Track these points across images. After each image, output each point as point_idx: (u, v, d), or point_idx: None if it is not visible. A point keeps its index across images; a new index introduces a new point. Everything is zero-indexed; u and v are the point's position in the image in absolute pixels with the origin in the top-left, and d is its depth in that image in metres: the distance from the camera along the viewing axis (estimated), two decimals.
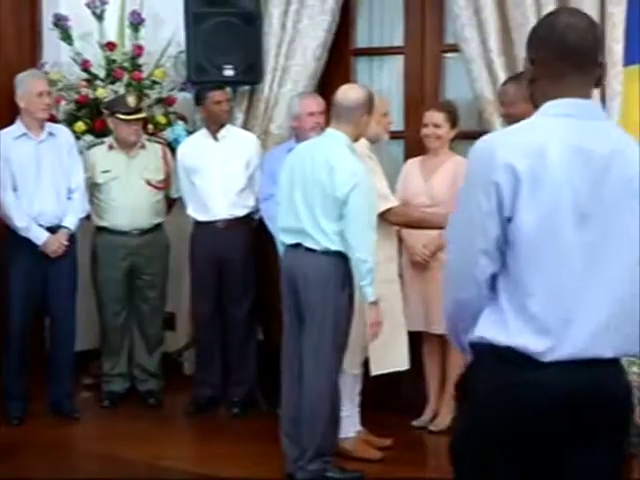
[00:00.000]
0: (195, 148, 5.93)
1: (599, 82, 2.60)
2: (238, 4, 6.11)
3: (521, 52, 5.28)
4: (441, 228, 5.17)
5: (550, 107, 2.52)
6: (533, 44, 2.58)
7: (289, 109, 5.82)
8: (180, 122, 6.43)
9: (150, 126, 6.33)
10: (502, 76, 5.42)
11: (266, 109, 6.23)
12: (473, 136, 5.84)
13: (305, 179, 4.63)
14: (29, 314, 5.73)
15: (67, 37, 6.45)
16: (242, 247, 5.90)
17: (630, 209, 2.47)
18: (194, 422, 5.92)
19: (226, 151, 5.87)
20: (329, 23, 6.08)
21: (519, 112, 4.84)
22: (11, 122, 5.67)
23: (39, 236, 5.57)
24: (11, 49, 6.56)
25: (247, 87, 6.26)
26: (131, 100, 5.88)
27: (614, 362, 2.50)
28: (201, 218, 5.89)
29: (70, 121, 6.28)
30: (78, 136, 6.12)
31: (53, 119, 5.97)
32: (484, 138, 2.52)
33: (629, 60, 4.37)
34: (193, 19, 6.04)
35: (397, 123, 5.62)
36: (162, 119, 6.43)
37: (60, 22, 6.43)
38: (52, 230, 5.63)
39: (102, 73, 6.43)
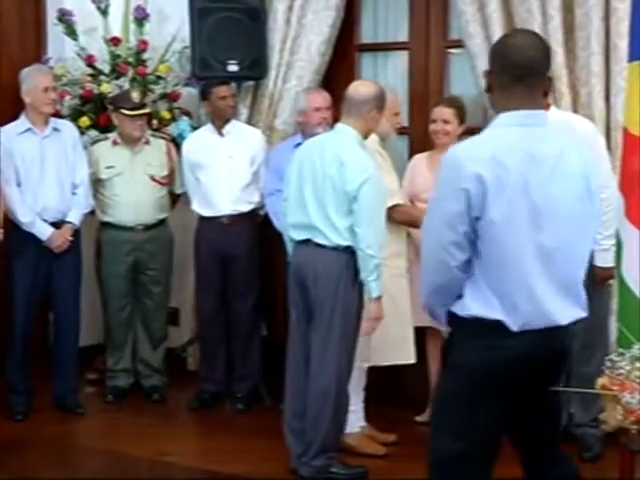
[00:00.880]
0: (200, 143, 5.92)
1: (546, 94, 3.18)
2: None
3: None
4: None
5: (504, 118, 3.04)
6: (490, 59, 3.12)
7: (295, 104, 5.81)
8: (184, 117, 6.42)
9: (154, 121, 6.32)
10: None
11: (270, 104, 6.23)
12: (478, 132, 5.91)
13: (315, 174, 4.62)
14: (33, 309, 5.73)
15: (72, 32, 6.45)
16: (247, 243, 5.90)
17: (577, 200, 3.01)
18: (198, 418, 5.92)
19: (231, 146, 5.87)
20: (334, 19, 6.08)
21: None
22: (15, 117, 5.66)
23: (43, 231, 5.58)
24: (15, 44, 6.56)
25: (251, 82, 6.25)
26: (135, 95, 5.88)
27: (567, 328, 3.08)
28: (206, 213, 5.89)
29: (74, 116, 6.27)
30: (82, 131, 6.11)
31: (57, 114, 5.97)
32: (453, 150, 3.07)
33: (633, 56, 4.35)
34: (198, 14, 6.04)
35: (402, 119, 5.61)
36: (166, 114, 6.42)
37: (64, 17, 6.43)
38: (56, 225, 5.63)
39: (107, 68, 6.43)
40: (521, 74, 3.02)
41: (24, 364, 5.70)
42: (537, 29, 5.25)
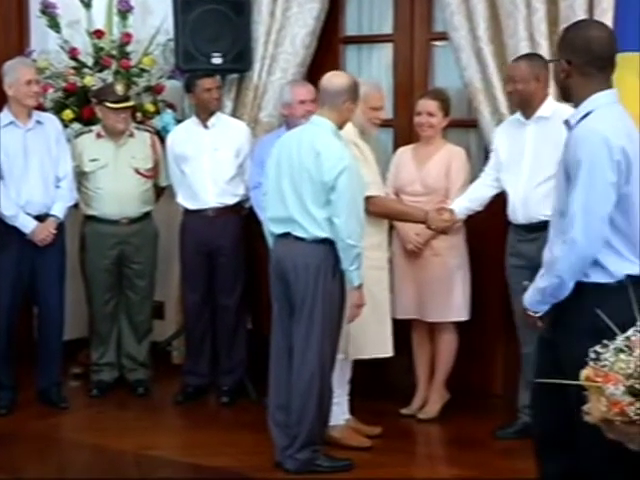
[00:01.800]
0: (185, 136, 5.91)
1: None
2: None
3: (510, 40, 5.31)
4: (422, 222, 5.19)
5: (602, 98, 3.33)
6: (569, 51, 3.38)
7: (280, 97, 5.81)
8: (169, 110, 6.41)
9: (139, 114, 6.30)
10: (491, 64, 5.42)
11: (255, 97, 6.21)
12: (462, 124, 5.92)
13: (292, 167, 4.63)
14: (17, 302, 5.71)
15: (55, 25, 6.42)
16: (232, 235, 5.89)
17: None
18: (183, 411, 5.91)
19: (216, 139, 5.86)
20: (318, 11, 6.06)
21: (529, 90, 4.88)
22: None
23: (27, 225, 5.55)
24: None
25: (236, 75, 6.24)
26: (119, 88, 5.86)
27: None
28: (191, 206, 5.88)
29: (58, 109, 6.24)
30: (66, 124, 6.08)
31: (41, 107, 5.94)
32: (591, 127, 3.25)
33: (620, 47, 4.36)
34: (182, 7, 6.01)
35: (386, 111, 5.60)
36: (150, 107, 6.40)
37: (48, 9, 6.40)
38: (40, 219, 5.60)
39: (90, 61, 6.40)
40: (604, 65, 3.37)
41: (8, 358, 5.68)
42: (521, 21, 5.27)
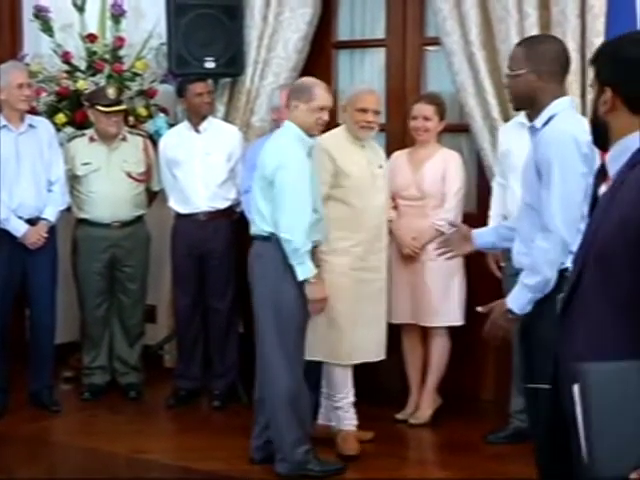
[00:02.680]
0: (177, 140, 5.92)
1: None
2: None
3: (502, 45, 5.32)
4: None
5: (563, 102, 3.52)
6: (539, 61, 3.50)
7: (270, 101, 5.81)
8: (161, 114, 6.41)
9: (131, 118, 6.30)
10: (483, 69, 5.43)
11: (247, 101, 6.22)
12: (454, 129, 5.93)
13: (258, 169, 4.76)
14: (9, 305, 5.70)
15: (48, 29, 6.42)
16: (223, 239, 5.90)
17: None
18: (175, 415, 5.91)
19: (208, 143, 5.86)
20: (311, 15, 6.07)
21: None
22: None
23: (18, 228, 5.55)
24: None
25: (228, 79, 6.24)
26: (111, 92, 5.86)
27: None
28: (182, 210, 5.89)
29: (50, 113, 6.25)
30: (59, 128, 6.09)
31: (33, 111, 5.94)
32: (558, 128, 3.44)
33: None
34: (174, 11, 6.02)
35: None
36: (143, 111, 6.41)
37: (41, 13, 6.41)
38: (32, 222, 5.60)
39: (83, 65, 6.40)
40: (565, 73, 3.63)
41: (0, 361, 5.67)
42: (513, 26, 5.28)
